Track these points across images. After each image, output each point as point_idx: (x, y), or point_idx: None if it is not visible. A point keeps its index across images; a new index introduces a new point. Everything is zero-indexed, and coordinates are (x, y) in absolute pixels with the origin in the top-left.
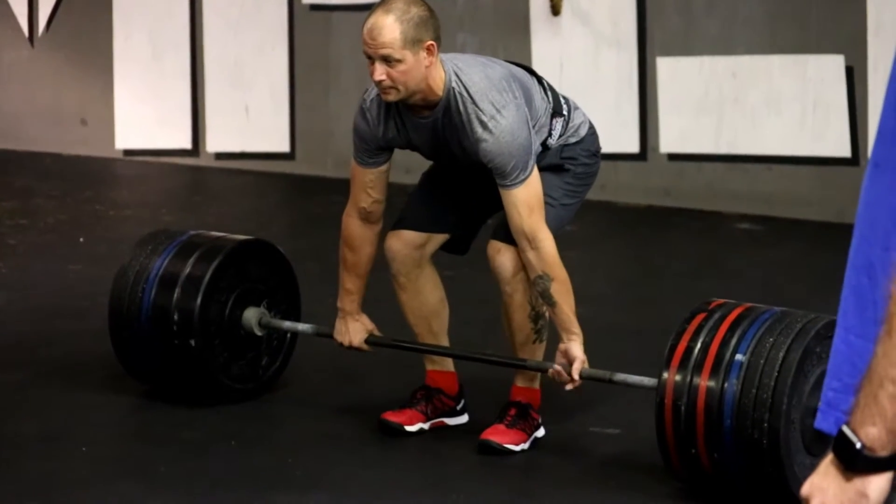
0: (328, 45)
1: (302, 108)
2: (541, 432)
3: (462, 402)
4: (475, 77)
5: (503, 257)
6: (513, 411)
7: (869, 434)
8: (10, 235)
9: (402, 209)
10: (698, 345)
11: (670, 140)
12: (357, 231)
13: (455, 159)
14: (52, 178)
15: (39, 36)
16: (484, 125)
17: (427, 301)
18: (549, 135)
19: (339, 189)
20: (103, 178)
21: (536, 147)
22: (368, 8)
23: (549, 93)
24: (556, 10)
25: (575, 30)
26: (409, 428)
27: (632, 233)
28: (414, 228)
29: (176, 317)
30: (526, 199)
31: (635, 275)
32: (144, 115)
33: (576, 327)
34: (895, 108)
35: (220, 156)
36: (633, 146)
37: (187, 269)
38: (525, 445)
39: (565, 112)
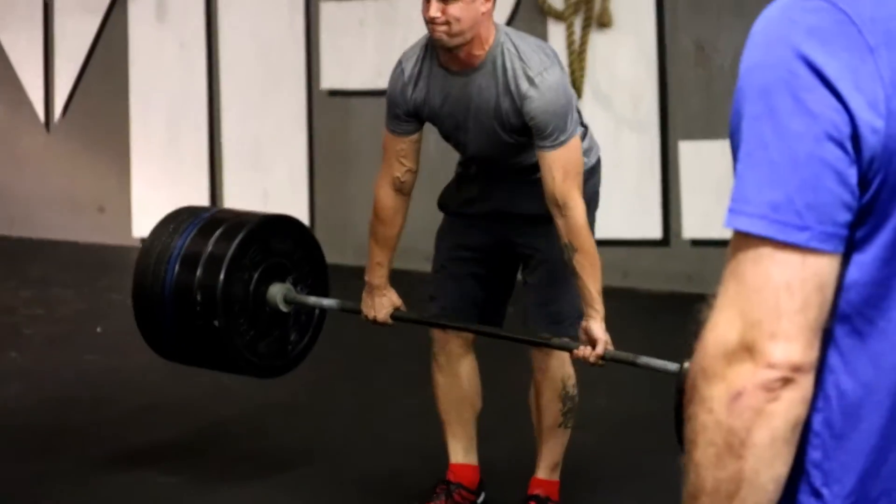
0: (347, 130)
1: (321, 194)
2: None
3: (482, 495)
4: (527, 40)
5: (543, 353)
6: None
7: None
8: (26, 325)
9: (438, 300)
10: None
11: (693, 225)
12: (390, 201)
13: (480, 128)
14: (69, 266)
15: (55, 122)
16: (531, 80)
17: (462, 386)
18: None
19: (359, 276)
20: (120, 267)
21: (576, 117)
22: (385, 94)
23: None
24: (576, 93)
25: (596, 113)
26: None
27: (654, 320)
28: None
29: (199, 297)
30: (563, 162)
31: None
32: (162, 202)
33: (598, 304)
34: None
35: None
36: (655, 232)
37: (209, 248)
38: None
39: (584, 127)
